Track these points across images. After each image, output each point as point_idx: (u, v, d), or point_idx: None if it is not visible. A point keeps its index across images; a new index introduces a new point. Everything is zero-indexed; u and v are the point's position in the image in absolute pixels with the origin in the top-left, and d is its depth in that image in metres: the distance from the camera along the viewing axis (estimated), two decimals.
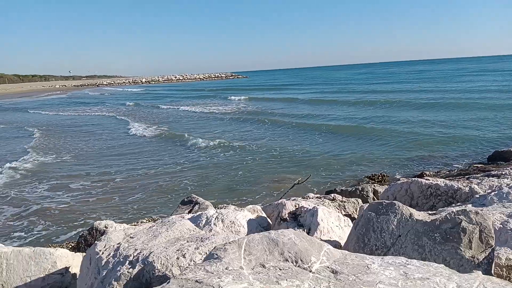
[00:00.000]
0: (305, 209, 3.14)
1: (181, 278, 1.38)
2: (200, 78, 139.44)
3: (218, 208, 4.63)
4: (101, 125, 23.39)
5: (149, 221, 5.90)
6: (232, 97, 37.51)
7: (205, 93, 51.85)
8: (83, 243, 4.58)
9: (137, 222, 5.91)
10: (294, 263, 1.60)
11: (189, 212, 4.77)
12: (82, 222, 7.82)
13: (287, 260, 1.62)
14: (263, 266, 1.56)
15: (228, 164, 11.63)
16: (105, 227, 4.52)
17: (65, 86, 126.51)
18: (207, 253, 2.11)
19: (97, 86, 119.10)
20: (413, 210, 2.56)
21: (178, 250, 2.10)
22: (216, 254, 1.61)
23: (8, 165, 12.89)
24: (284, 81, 76.42)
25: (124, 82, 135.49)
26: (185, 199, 5.20)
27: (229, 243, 1.68)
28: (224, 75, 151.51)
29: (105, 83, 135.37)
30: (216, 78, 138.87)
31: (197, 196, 5.17)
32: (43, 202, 9.09)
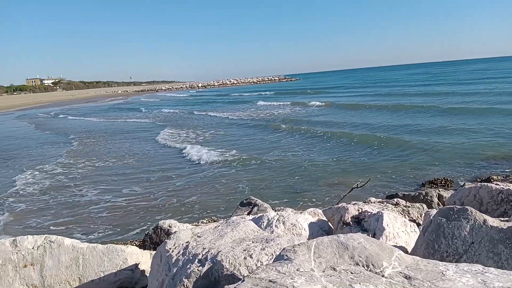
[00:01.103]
0: (369, 213, 3.08)
1: (255, 277, 1.41)
2: (253, 82, 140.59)
3: (276, 211, 4.66)
4: (148, 130, 24.18)
5: (209, 221, 6.05)
6: (281, 102, 36.83)
7: (244, 97, 52.09)
8: (148, 241, 4.79)
9: (198, 222, 6.09)
10: (365, 267, 1.58)
11: (249, 213, 4.84)
12: (143, 222, 8.16)
13: (357, 264, 1.61)
14: (334, 269, 1.55)
15: (283, 167, 11.63)
16: (169, 226, 4.70)
17: (127, 91, 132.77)
18: (273, 254, 2.13)
19: (156, 91, 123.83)
20: (486, 216, 2.43)
21: (244, 250, 2.15)
22: (286, 256, 1.62)
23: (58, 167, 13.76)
24: (335, 83, 75.10)
25: (181, 87, 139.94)
26: (244, 201, 5.28)
27: (298, 245, 1.69)
28: (277, 78, 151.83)
29: (163, 88, 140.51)
30: (269, 81, 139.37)
31: (255, 198, 5.23)
32: (104, 202, 9.58)
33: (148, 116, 33.35)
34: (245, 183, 10.27)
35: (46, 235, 3.22)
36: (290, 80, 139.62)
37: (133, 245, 5.15)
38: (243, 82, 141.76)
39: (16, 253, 3.12)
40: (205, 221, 6.34)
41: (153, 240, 4.74)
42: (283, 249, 1.70)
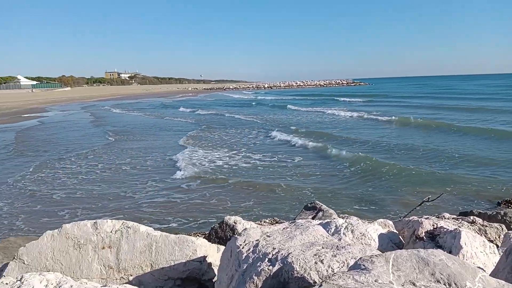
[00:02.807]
0: (445, 229, 2.93)
1: (333, 284, 1.40)
2: (320, 85, 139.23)
3: (342, 218, 4.58)
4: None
5: (271, 221, 6.10)
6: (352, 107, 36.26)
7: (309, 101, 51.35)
8: (214, 235, 4.93)
9: (260, 221, 6.17)
10: (447, 286, 1.51)
11: (313, 218, 4.81)
12: (205, 216, 8.39)
13: (438, 281, 1.54)
14: (414, 284, 1.50)
15: (353, 173, 11.39)
16: (234, 222, 4.79)
17: (196, 89, 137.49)
18: (344, 262, 2.11)
19: (224, 89, 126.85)
20: None
21: (315, 255, 2.14)
22: (363, 265, 1.60)
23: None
24: (406, 91, 72.08)
25: (248, 87, 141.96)
26: (309, 205, 5.26)
27: (376, 256, 1.66)
28: (345, 82, 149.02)
29: (231, 87, 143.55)
30: (336, 85, 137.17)
31: (320, 203, 5.18)
32: (163, 195, 9.95)
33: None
34: (310, 186, 10.22)
35: (124, 221, 3.43)
36: (359, 85, 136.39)
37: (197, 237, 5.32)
38: (309, 85, 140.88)
39: (96, 235, 3.35)
40: (267, 220, 6.39)
41: (218, 234, 4.87)
42: (360, 258, 1.68)
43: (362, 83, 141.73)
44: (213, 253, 3.45)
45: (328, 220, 3.50)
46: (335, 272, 2.01)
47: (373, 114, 29.41)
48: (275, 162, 13.27)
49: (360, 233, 3.14)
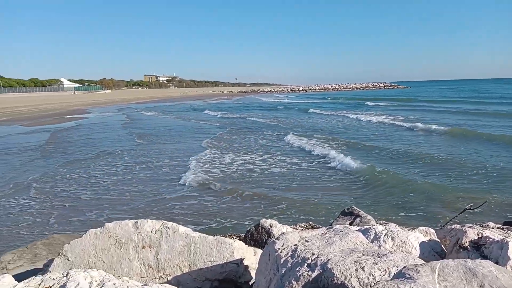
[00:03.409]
0: (491, 239, 2.82)
1: None
2: (356, 88, 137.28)
3: (382, 224, 4.48)
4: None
5: (307, 226, 6.05)
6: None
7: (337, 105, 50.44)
8: (249, 238, 4.94)
9: (296, 225, 6.13)
10: None
11: (350, 224, 4.74)
12: (238, 218, 8.43)
13: None
14: None
15: (391, 179, 11.15)
16: (270, 226, 4.79)
17: (231, 92, 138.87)
18: (386, 270, 2.06)
19: (258, 92, 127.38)
20: None
21: (356, 262, 2.11)
22: (408, 274, 1.56)
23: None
24: (444, 95, 69.51)
25: (282, 90, 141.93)
26: (346, 210, 5.18)
27: (421, 265, 1.61)
28: (382, 85, 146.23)
29: (265, 90, 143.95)
30: (373, 88, 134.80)
31: (358, 209, 5.09)
32: (198, 199, 10.06)
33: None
34: (349, 191, 10.08)
35: (163, 221, 3.50)
36: (397, 88, 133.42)
37: (234, 239, 5.35)
38: (345, 88, 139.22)
39: (137, 234, 3.43)
40: (302, 225, 6.35)
41: (254, 237, 4.88)
42: (404, 267, 1.64)
43: (400, 86, 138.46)
44: (250, 256, 3.47)
45: (367, 226, 3.44)
46: (376, 280, 1.97)
47: (397, 119, 28.60)
48: (299, 168, 13.20)
49: (401, 241, 3.07)
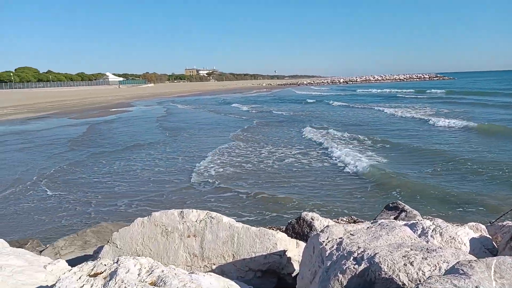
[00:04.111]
0: None
1: (430, 287, 1.34)
2: (400, 79, 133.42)
3: (429, 219, 4.35)
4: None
5: (348, 220, 5.98)
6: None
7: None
8: (291, 230, 4.95)
9: (337, 219, 6.08)
10: None
11: (395, 218, 4.64)
12: (277, 210, 8.44)
13: None
14: None
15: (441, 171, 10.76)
16: (312, 219, 4.78)
17: (270, 84, 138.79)
18: (436, 265, 2.00)
19: (298, 85, 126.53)
20: None
21: (404, 257, 2.06)
22: (462, 270, 1.51)
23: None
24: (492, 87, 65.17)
25: (322, 82, 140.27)
26: (390, 204, 5.07)
27: (475, 261, 1.56)
28: (427, 76, 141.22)
29: (305, 82, 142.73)
30: (418, 79, 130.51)
31: (403, 203, 4.98)
32: (233, 191, 10.14)
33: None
34: (394, 184, 9.87)
35: (207, 211, 3.57)
36: (442, 79, 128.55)
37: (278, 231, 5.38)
38: (388, 79, 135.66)
39: (182, 223, 3.52)
40: (344, 219, 6.28)
41: (295, 230, 4.88)
42: (458, 262, 1.59)
43: (446, 78, 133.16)
44: (293, 248, 3.47)
45: (414, 221, 3.35)
46: (426, 275, 1.92)
47: (425, 113, 26.91)
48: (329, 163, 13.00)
49: (450, 236, 2.97)
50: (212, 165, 12.76)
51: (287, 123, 25.00)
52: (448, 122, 21.23)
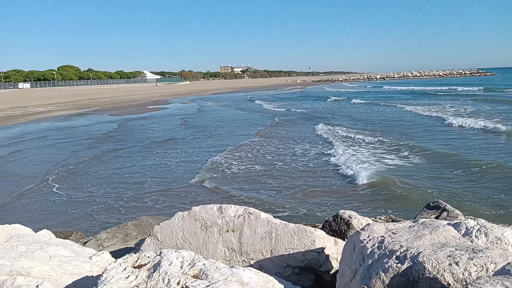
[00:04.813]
0: None
1: None
2: (439, 75, 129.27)
3: (472, 219, 4.21)
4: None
5: (387, 219, 5.89)
6: None
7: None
8: (327, 227, 4.92)
9: (375, 218, 5.99)
10: None
11: (436, 218, 4.52)
12: (308, 208, 8.39)
13: None
14: None
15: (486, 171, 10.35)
16: (349, 217, 4.72)
17: (305, 81, 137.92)
18: (483, 266, 1.95)
19: (333, 81, 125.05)
20: None
21: (449, 257, 2.02)
22: None
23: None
24: None
25: (358, 78, 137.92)
26: (431, 204, 4.95)
27: None
28: (468, 72, 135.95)
29: (340, 79, 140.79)
30: (458, 75, 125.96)
31: (444, 203, 4.84)
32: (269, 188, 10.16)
33: None
34: (433, 183, 9.61)
35: (246, 207, 3.61)
36: (484, 75, 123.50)
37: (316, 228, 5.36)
38: (427, 75, 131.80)
39: (221, 218, 3.57)
40: (382, 217, 6.18)
41: (332, 227, 4.84)
42: (508, 263, 1.54)
43: (488, 73, 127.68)
44: (331, 246, 3.46)
45: (457, 221, 3.26)
46: (472, 276, 1.87)
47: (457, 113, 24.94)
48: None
49: (496, 237, 2.87)
50: (231, 161, 13.01)
51: (304, 120, 25.31)
52: (469, 122, 19.71)
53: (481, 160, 11.35)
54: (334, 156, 12.95)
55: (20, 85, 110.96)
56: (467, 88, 54.60)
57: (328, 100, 45.09)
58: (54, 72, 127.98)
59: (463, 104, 31.53)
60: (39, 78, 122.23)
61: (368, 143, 15.20)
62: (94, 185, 11.20)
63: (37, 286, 2.64)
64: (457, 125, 19.49)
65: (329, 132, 18.59)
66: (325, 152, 13.93)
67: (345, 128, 19.73)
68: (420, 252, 2.08)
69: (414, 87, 65.54)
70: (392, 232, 2.47)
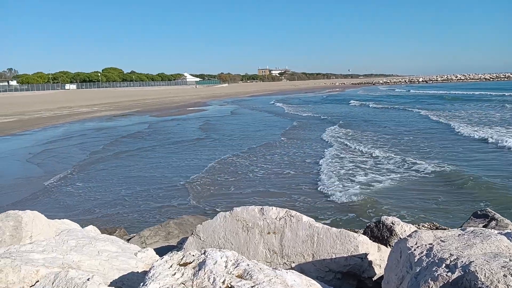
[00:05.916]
0: None
1: None
2: (485, 79, 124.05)
3: None
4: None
5: (430, 226, 5.72)
6: None
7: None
8: (369, 233, 4.83)
9: (418, 225, 5.84)
10: None
11: (484, 227, 4.35)
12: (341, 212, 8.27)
13: None
14: None
15: None
16: (392, 223, 4.62)
17: (344, 83, 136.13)
18: None
19: (373, 84, 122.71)
20: None
21: (503, 267, 1.94)
22: None
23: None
24: None
25: (399, 81, 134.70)
26: (479, 212, 4.76)
27: None
28: None
29: (381, 82, 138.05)
30: (506, 79, 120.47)
31: (493, 211, 4.65)
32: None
33: None
34: (480, 190, 9.29)
35: (287, 209, 3.61)
36: None
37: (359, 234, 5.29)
38: (472, 79, 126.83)
39: (263, 220, 3.59)
40: (426, 225, 6.01)
41: (374, 233, 4.75)
42: None
43: None
44: (374, 252, 3.40)
45: (508, 230, 3.12)
46: None
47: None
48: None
49: None
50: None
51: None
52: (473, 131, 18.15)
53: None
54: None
55: (67, 86, 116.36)
56: (503, 93, 50.89)
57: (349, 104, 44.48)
58: (99, 74, 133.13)
59: (488, 110, 29.89)
60: (85, 80, 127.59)
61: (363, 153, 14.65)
62: (123, 184, 11.60)
63: (88, 279, 2.74)
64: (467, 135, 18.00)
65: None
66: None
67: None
68: (472, 262, 2.01)
69: (450, 91, 63.41)
70: (441, 240, 2.40)
